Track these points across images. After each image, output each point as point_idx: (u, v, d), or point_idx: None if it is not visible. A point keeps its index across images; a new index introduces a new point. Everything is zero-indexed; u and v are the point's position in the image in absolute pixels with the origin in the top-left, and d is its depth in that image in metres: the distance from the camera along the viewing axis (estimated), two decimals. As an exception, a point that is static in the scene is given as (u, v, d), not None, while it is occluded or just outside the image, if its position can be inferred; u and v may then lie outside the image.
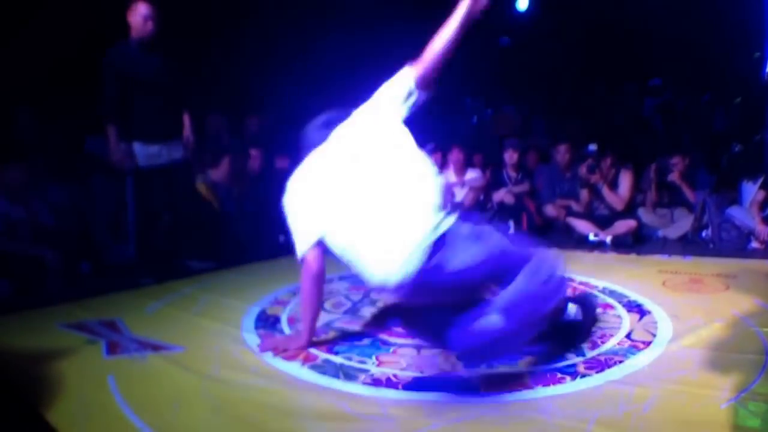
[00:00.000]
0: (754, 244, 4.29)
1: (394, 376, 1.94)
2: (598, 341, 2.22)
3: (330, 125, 2.11)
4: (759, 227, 4.27)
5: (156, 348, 2.26)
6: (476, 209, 5.50)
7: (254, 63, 5.89)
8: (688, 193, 4.96)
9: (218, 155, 4.61)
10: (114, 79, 3.39)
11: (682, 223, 4.85)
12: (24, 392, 1.88)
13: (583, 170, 4.98)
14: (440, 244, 1.74)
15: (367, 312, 2.73)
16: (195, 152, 3.93)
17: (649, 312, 2.60)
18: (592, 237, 4.67)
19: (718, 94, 6.97)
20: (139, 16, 3.42)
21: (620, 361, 2.00)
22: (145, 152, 3.54)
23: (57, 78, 4.55)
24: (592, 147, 5.02)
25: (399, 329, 2.39)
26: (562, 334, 2.16)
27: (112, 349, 2.25)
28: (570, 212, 5.07)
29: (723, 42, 6.29)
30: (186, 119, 3.79)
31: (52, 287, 3.31)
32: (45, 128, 4.35)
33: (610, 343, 2.20)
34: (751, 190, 4.71)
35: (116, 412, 1.70)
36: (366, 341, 2.31)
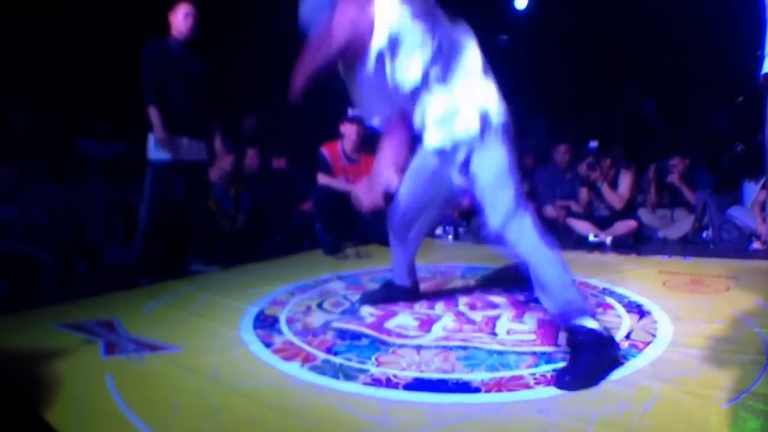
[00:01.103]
0: (756, 245, 4.29)
1: (394, 376, 1.93)
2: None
3: None
4: (761, 228, 4.27)
5: (154, 348, 2.25)
6: (475, 210, 5.50)
7: (252, 62, 5.89)
8: (688, 194, 4.96)
9: (214, 155, 4.61)
10: (155, 66, 3.48)
11: (683, 224, 4.86)
12: (22, 392, 1.88)
13: (583, 168, 4.98)
14: None
15: (366, 312, 2.72)
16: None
17: (649, 312, 2.60)
18: (592, 238, 4.67)
19: (719, 94, 6.98)
20: (179, 14, 3.56)
21: (621, 362, 1.98)
22: (174, 144, 3.58)
23: (50, 77, 4.56)
24: (593, 144, 5.02)
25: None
26: None
27: (109, 349, 2.25)
28: (570, 213, 5.07)
29: (724, 41, 6.29)
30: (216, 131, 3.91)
31: (48, 287, 3.31)
32: (37, 128, 4.37)
33: (611, 344, 2.19)
34: (753, 191, 4.71)
35: (115, 411, 1.70)
36: (365, 341, 2.30)
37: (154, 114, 3.47)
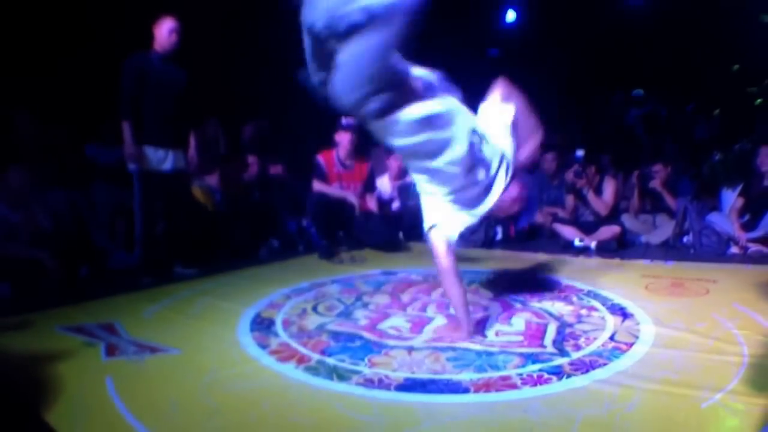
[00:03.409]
0: (734, 250, 4.40)
1: (386, 377, 1.98)
2: (583, 343, 2.29)
3: None
4: (738, 233, 4.39)
5: (153, 350, 2.29)
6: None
7: (251, 70, 5.93)
8: (670, 200, 5.07)
9: (214, 163, 4.66)
10: (133, 82, 3.52)
11: (664, 229, 4.95)
12: (24, 393, 1.91)
13: (569, 175, 5.07)
14: None
15: (360, 314, 2.78)
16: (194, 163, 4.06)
17: (632, 315, 2.67)
18: (577, 242, 4.76)
19: (700, 105, 7.11)
20: (164, 29, 3.60)
21: (605, 363, 2.06)
22: (153, 156, 3.65)
23: (58, 84, 4.59)
24: (580, 153, 5.11)
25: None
26: None
27: (110, 351, 2.28)
28: (556, 219, 5.16)
29: (704, 55, 6.43)
30: (191, 139, 3.95)
31: (51, 291, 3.33)
32: (45, 134, 4.38)
33: (595, 345, 2.26)
34: (731, 197, 4.84)
35: (114, 412, 1.73)
36: (358, 343, 2.36)
37: (126, 129, 3.54)
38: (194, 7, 3.65)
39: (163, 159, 3.70)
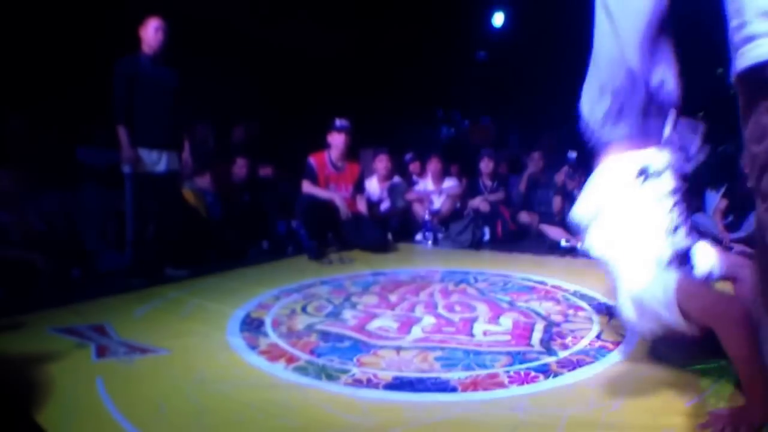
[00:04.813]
0: (718, 250, 4.47)
1: (375, 376, 2.00)
2: (570, 342, 2.32)
3: None
4: (722, 234, 4.46)
5: (143, 351, 2.29)
6: (453, 216, 5.62)
7: (242, 73, 5.95)
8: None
9: (204, 165, 4.67)
10: (124, 86, 3.54)
11: (651, 230, 5.01)
12: (14, 394, 1.91)
13: (560, 177, 5.12)
14: None
15: (349, 315, 2.79)
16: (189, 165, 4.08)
17: (618, 314, 2.70)
18: (564, 243, 4.81)
19: (684, 108, 7.19)
20: (150, 29, 3.63)
21: (591, 361, 2.09)
22: (147, 157, 3.67)
23: (49, 87, 4.58)
24: (572, 155, 5.16)
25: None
26: None
27: (100, 352, 2.28)
28: (543, 219, 5.21)
29: (688, 57, 6.51)
30: (185, 142, 3.97)
31: (43, 292, 3.32)
32: (37, 136, 4.38)
33: (582, 344, 2.30)
34: (714, 199, 4.91)
35: (104, 413, 1.74)
36: (347, 343, 2.37)
37: (122, 133, 3.56)
38: (187, 8, 3.67)
39: (157, 161, 3.72)
